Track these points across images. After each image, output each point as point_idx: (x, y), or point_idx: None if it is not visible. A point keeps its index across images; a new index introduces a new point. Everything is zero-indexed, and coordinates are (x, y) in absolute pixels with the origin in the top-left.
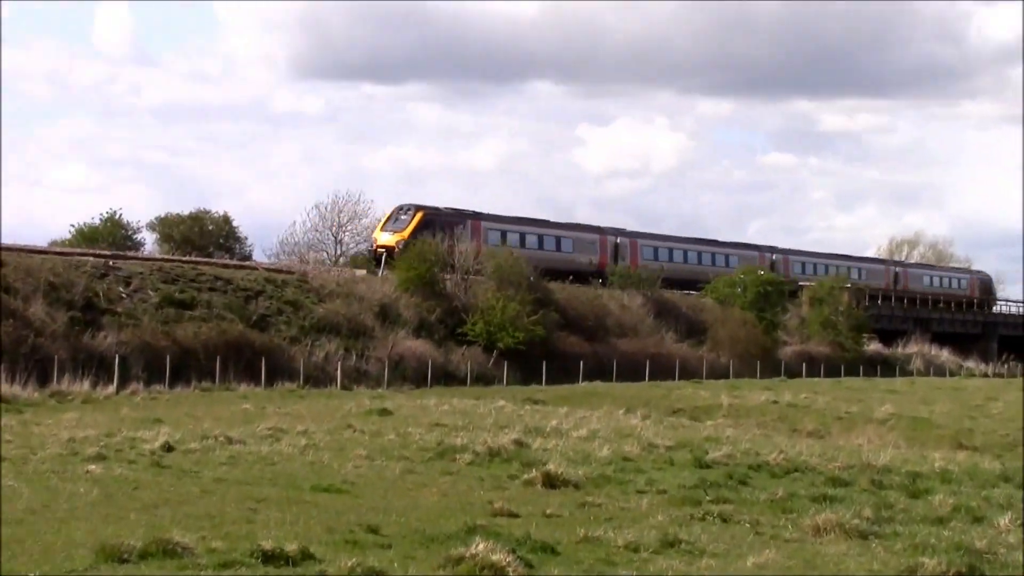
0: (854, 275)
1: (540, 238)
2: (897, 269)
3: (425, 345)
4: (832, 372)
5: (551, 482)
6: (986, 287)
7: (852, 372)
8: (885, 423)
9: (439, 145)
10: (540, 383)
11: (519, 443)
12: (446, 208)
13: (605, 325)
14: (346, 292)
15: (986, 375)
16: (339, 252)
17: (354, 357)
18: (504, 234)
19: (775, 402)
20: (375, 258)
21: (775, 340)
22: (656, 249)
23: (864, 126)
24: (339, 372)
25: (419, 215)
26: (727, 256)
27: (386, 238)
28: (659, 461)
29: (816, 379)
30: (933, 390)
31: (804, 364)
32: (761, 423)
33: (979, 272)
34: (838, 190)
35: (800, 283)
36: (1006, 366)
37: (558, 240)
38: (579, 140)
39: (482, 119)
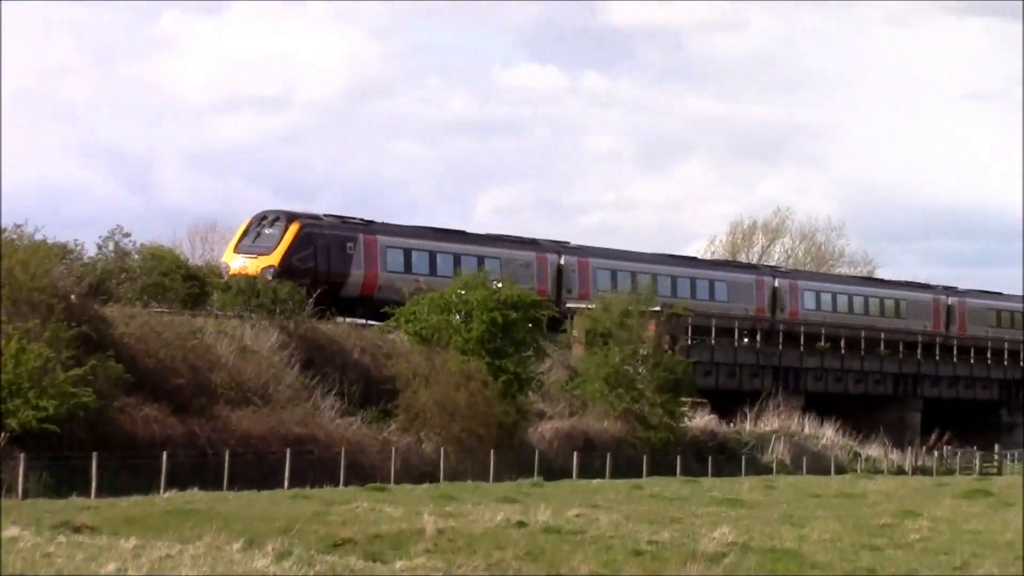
0: (889, 310)
1: (456, 257)
2: (950, 300)
3: None
4: (628, 468)
5: None
6: None
7: (664, 468)
8: (719, 561)
9: None
10: (88, 492)
11: None
12: (330, 217)
13: (209, 383)
14: None
15: (901, 471)
16: None
17: None
18: (408, 253)
19: (521, 524)
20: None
21: (523, 412)
22: (614, 272)
23: (687, 19)
24: None
25: (294, 227)
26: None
27: (243, 264)
28: None
29: (598, 481)
30: (806, 499)
31: (576, 454)
32: (496, 564)
33: None
34: (638, 135)
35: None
36: (936, 454)
37: (480, 260)
38: (159, 40)
39: None
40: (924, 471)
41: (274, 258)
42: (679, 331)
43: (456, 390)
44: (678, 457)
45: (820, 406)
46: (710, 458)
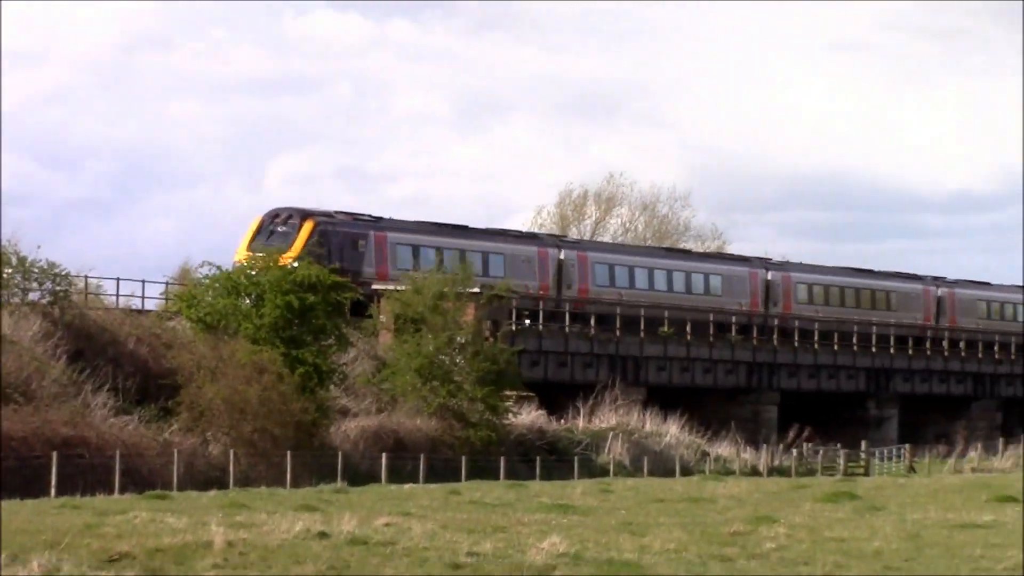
0: (879, 304)
1: (461, 253)
2: (940, 291)
3: None
4: (445, 471)
5: None
6: None
7: (486, 471)
8: (548, 574)
9: None
10: None
11: None
12: (341, 214)
13: None
14: None
15: (756, 471)
16: None
17: None
18: (416, 249)
19: (323, 535)
20: None
21: (323, 409)
22: (625, 269)
23: None
24: None
25: (309, 224)
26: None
27: None
28: None
29: (411, 486)
30: (647, 504)
31: (385, 455)
32: None
33: None
34: (454, 92)
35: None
36: (795, 452)
37: (484, 257)
38: None
39: None
40: (781, 472)
41: (291, 256)
42: (502, 316)
43: (247, 385)
44: (502, 458)
45: (663, 400)
46: (538, 459)
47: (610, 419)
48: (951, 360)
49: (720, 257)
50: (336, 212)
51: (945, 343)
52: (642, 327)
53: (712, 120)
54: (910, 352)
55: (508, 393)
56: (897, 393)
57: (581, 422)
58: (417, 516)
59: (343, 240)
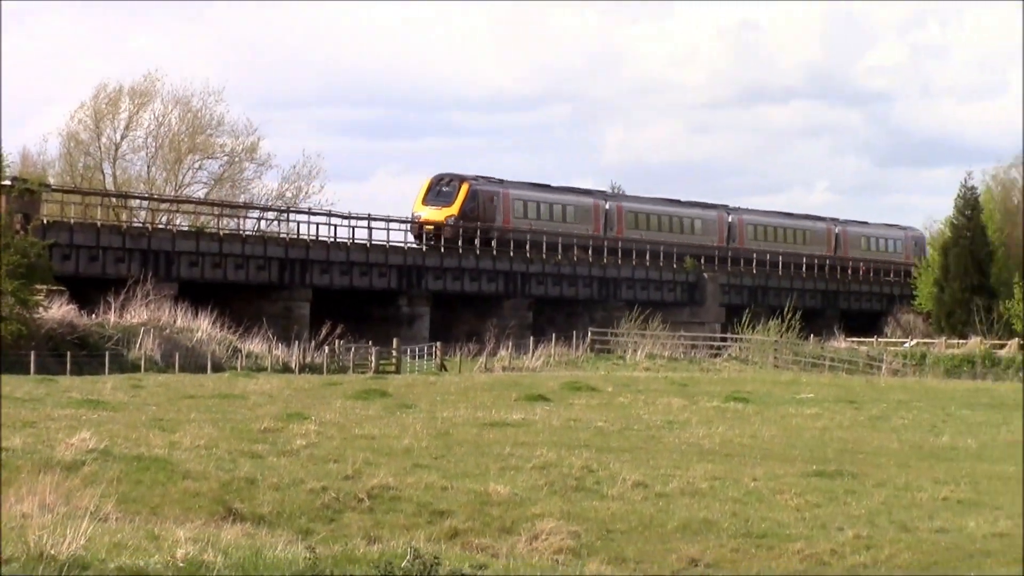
0: (797, 240)
1: (550, 206)
2: (837, 229)
3: None
4: None
5: None
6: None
7: (15, 365)
8: (78, 469)
9: None
10: None
11: None
12: (481, 177)
13: None
14: None
15: (288, 368)
16: None
17: None
18: (526, 204)
19: None
20: (418, 235)
21: None
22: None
23: None
24: None
25: (465, 187)
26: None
27: (431, 213)
28: None
29: None
30: (178, 401)
31: None
32: None
33: (910, 228)
34: None
35: None
36: (327, 349)
37: (563, 208)
38: None
39: None
40: (313, 369)
41: (454, 209)
42: (33, 209)
43: None
44: (32, 353)
45: (195, 295)
46: (68, 354)
47: (142, 314)
48: (483, 258)
49: None
50: (477, 176)
51: (477, 241)
52: (170, 222)
53: (248, 14)
54: (441, 250)
55: (39, 287)
56: (429, 291)
57: (113, 317)
58: None
59: (485, 197)
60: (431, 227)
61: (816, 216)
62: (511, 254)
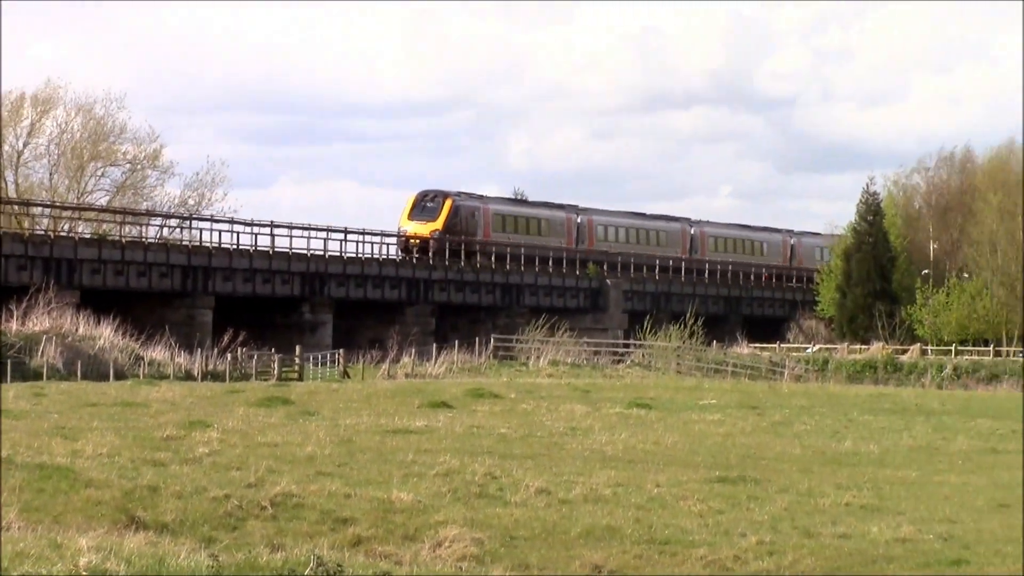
0: (755, 251)
1: (527, 220)
2: (792, 241)
3: None
4: None
5: None
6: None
7: None
8: None
9: None
10: None
11: None
12: (463, 193)
13: None
14: None
15: (190, 376)
16: None
17: None
18: (504, 218)
19: None
20: (404, 249)
21: None
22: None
23: None
24: None
25: (448, 203)
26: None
27: (417, 228)
28: None
29: None
30: (81, 409)
31: None
32: None
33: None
34: None
35: None
36: (230, 357)
37: (538, 222)
38: None
39: None
40: (216, 376)
41: (439, 224)
42: None
43: None
44: None
45: (98, 303)
46: None
47: (44, 322)
48: (386, 266)
49: None
50: (458, 192)
51: (375, 247)
52: (72, 230)
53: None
54: (344, 258)
55: None
56: (332, 298)
57: (14, 325)
58: None
59: (466, 212)
60: (417, 241)
61: (773, 228)
62: (413, 261)
